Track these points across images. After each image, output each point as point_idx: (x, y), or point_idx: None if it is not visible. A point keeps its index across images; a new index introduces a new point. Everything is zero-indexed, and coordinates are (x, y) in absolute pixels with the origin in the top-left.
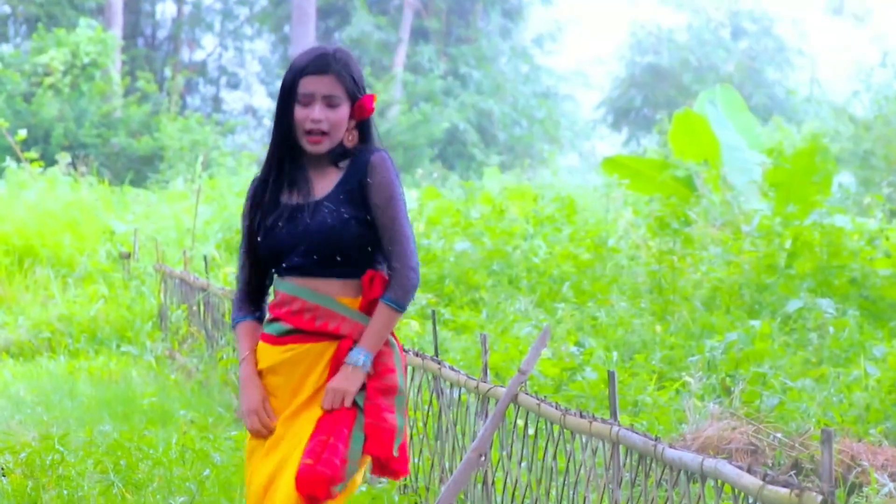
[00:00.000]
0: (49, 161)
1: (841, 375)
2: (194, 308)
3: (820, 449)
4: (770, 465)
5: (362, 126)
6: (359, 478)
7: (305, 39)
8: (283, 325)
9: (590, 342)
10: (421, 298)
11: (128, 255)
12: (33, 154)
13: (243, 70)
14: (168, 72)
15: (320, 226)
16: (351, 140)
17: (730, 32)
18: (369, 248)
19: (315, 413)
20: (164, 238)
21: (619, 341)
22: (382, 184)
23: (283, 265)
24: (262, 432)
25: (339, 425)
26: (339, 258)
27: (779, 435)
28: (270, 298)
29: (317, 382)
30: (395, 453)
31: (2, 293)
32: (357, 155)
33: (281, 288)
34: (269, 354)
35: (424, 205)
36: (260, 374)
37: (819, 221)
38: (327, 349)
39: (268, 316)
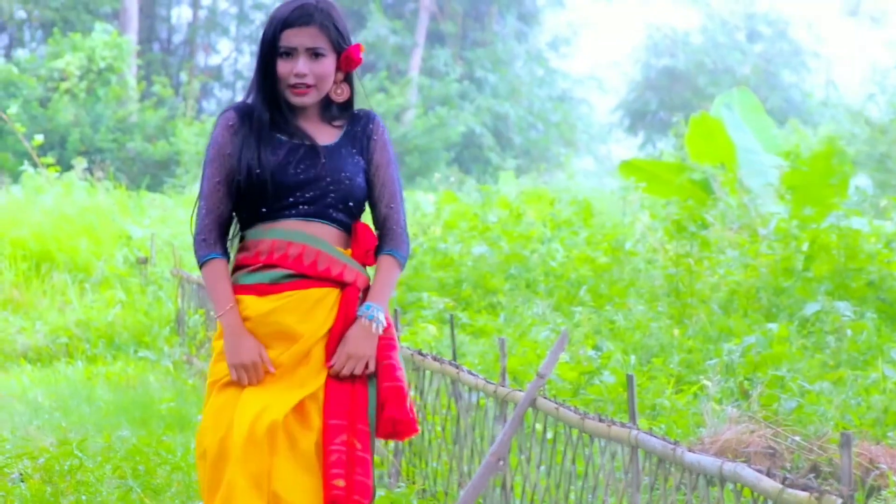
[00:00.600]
0: (65, 166)
1: (859, 378)
2: (212, 313)
3: (839, 452)
4: (788, 468)
5: (349, 79)
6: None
7: None
8: (280, 271)
9: (607, 346)
10: (438, 302)
11: (145, 260)
12: (50, 159)
13: None
14: (184, 76)
15: (339, 168)
16: (341, 94)
17: (745, 35)
18: (365, 204)
19: (318, 369)
20: (180, 243)
21: (637, 345)
22: (386, 143)
23: (290, 200)
24: (252, 384)
25: (356, 410)
26: (350, 204)
27: (797, 438)
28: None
29: (318, 332)
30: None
31: (19, 298)
32: (355, 113)
33: (268, 234)
34: (259, 304)
35: (441, 209)
36: None
37: (836, 224)
38: (328, 295)
39: (248, 267)
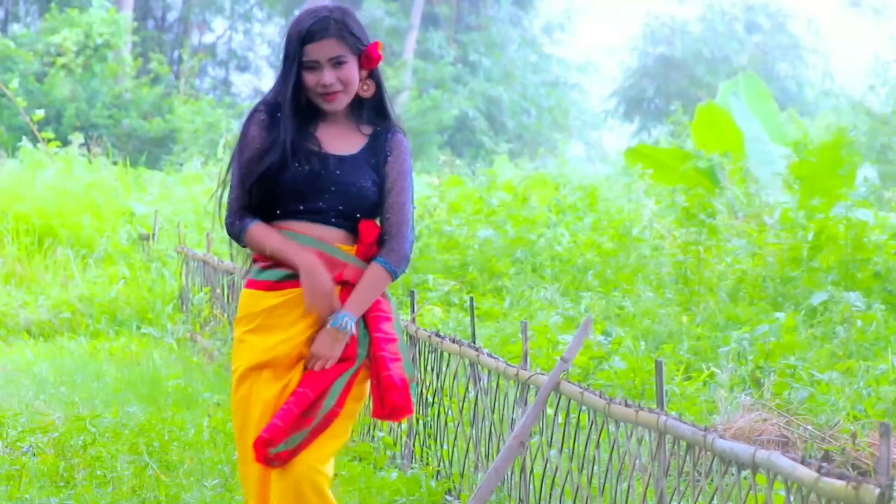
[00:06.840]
0: (62, 141)
1: (869, 369)
2: (218, 291)
3: (851, 441)
4: (802, 457)
5: (374, 75)
6: (346, 427)
7: None
8: (283, 271)
9: (616, 331)
10: (443, 285)
11: (147, 237)
12: (49, 134)
13: (252, 53)
14: (178, 54)
15: (352, 180)
16: (367, 90)
17: (743, 26)
18: (376, 210)
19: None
20: (181, 220)
21: (646, 331)
22: (403, 160)
23: (300, 207)
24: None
25: (321, 380)
26: (358, 214)
27: (809, 427)
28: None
29: (314, 325)
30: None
31: (22, 272)
32: (381, 124)
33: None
34: (263, 300)
35: (446, 191)
36: (249, 325)
37: (843, 214)
38: None
39: (260, 263)
